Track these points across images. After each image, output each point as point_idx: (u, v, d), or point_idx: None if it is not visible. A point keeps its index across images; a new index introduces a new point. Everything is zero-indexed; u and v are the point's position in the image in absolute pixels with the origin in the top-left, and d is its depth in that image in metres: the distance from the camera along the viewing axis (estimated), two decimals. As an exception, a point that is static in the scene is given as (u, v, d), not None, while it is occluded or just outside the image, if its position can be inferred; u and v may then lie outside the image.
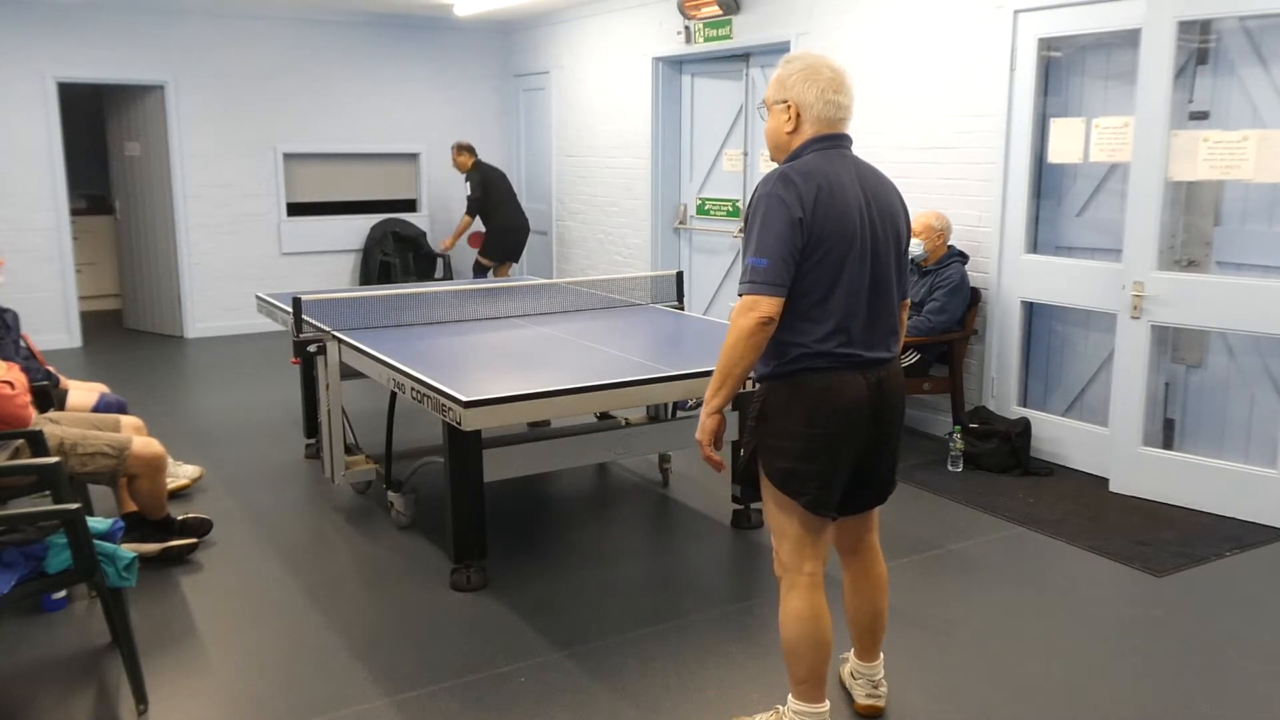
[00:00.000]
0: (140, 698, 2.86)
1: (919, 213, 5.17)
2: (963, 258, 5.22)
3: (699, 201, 7.66)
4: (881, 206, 2.49)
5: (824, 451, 2.46)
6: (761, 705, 2.85)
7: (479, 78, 9.58)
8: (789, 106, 2.48)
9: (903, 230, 2.57)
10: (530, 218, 9.71)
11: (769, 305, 2.33)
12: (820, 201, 2.36)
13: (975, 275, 5.30)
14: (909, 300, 2.72)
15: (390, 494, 4.27)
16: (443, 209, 9.56)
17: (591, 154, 8.54)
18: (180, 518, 4.00)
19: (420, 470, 4.27)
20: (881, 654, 2.85)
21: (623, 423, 4.53)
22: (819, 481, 2.47)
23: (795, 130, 2.49)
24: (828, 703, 2.62)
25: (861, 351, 2.46)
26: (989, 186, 5.23)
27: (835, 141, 2.48)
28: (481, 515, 3.62)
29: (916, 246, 5.12)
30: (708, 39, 7.06)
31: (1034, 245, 5.18)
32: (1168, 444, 4.68)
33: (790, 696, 2.62)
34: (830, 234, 2.37)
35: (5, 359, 3.71)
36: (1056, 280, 5.02)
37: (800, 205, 2.34)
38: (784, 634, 2.56)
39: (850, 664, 2.89)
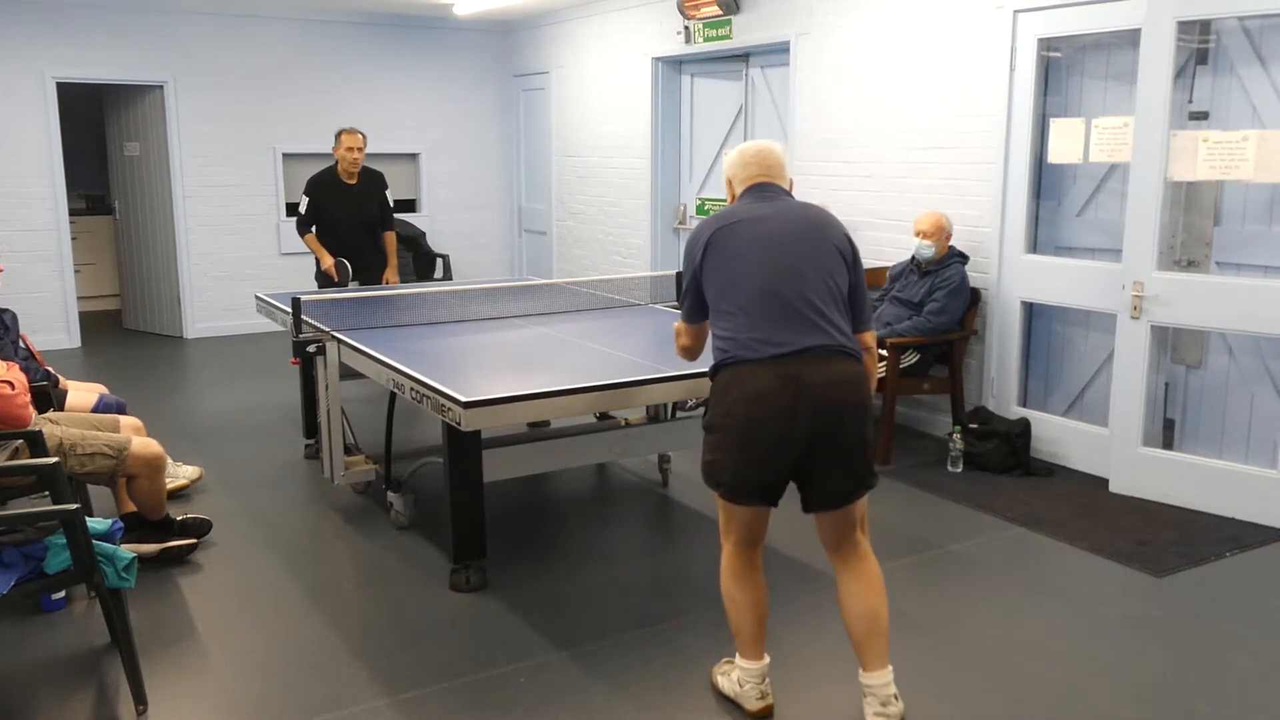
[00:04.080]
0: (140, 698, 2.86)
1: (929, 214, 5.18)
2: (963, 258, 5.21)
3: (699, 202, 7.66)
4: (798, 226, 2.71)
5: (736, 441, 2.62)
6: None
7: (479, 78, 9.58)
8: (728, 182, 2.93)
9: (827, 252, 2.69)
10: (530, 218, 9.76)
11: (686, 331, 2.94)
12: (719, 231, 2.72)
13: (975, 275, 5.29)
14: (872, 331, 2.84)
15: (390, 494, 4.27)
16: (443, 209, 9.57)
17: (591, 154, 8.53)
18: (180, 518, 4.00)
19: (420, 470, 4.27)
20: (890, 666, 2.72)
21: (622, 423, 4.52)
22: (732, 471, 2.65)
23: (734, 197, 2.89)
24: (764, 661, 2.81)
25: (770, 342, 2.59)
26: (989, 186, 5.23)
27: (760, 190, 2.82)
28: (481, 515, 3.62)
29: (929, 248, 5.12)
30: (707, 39, 7.05)
31: (1034, 245, 5.18)
32: (1168, 444, 4.68)
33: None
34: (729, 250, 2.69)
35: (5, 359, 3.71)
36: (1056, 280, 5.01)
37: (696, 244, 2.76)
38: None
39: (860, 682, 2.75)
